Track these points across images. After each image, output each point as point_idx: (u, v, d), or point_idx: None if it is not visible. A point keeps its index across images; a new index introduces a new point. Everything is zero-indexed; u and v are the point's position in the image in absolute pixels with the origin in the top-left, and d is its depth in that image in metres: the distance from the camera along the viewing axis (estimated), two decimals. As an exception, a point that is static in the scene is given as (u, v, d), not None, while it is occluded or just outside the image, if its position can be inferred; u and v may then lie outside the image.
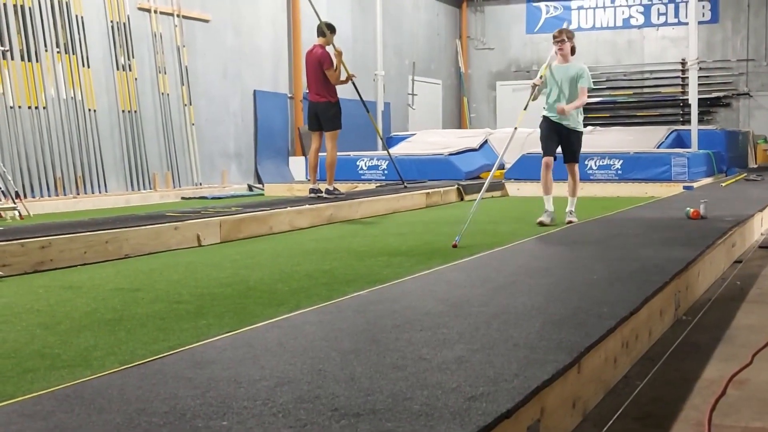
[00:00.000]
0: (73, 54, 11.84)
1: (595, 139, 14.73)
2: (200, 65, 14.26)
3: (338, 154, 10.56)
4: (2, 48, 10.74)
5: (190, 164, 13.94)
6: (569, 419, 2.68)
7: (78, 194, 11.69)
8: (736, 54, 20.85)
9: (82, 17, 12.04)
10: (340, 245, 7.33)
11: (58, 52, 11.61)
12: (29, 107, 11.15)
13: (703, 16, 20.49)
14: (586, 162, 13.38)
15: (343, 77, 10.25)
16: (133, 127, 12.81)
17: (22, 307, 4.56)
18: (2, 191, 10.17)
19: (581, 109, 8.24)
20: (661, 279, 4.15)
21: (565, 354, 2.75)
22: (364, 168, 14.73)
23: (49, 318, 4.26)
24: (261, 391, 2.41)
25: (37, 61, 11.29)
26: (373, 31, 17.08)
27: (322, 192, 10.17)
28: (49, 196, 11.28)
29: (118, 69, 12.62)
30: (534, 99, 8.18)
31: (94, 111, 12.13)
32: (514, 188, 13.51)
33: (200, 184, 14.01)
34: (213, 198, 12.88)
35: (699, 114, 15.02)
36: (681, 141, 15.31)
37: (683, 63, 20.18)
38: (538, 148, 8.47)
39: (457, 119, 23.24)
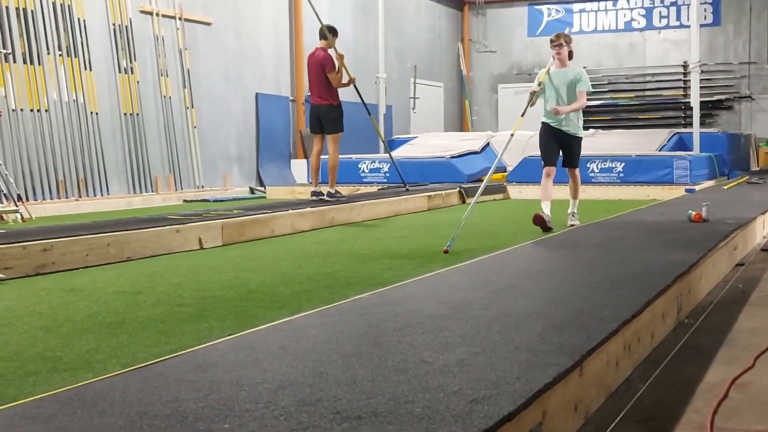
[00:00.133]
0: (75, 57, 11.86)
1: (596, 142, 14.75)
2: (202, 68, 14.27)
3: (340, 156, 10.56)
4: (5, 51, 10.76)
5: (192, 167, 13.95)
6: (571, 422, 2.67)
7: (80, 197, 11.70)
8: (738, 57, 20.86)
9: (84, 20, 12.06)
10: (341, 248, 7.33)
11: (60, 55, 11.62)
12: (31, 110, 11.16)
13: (705, 19, 20.49)
14: (587, 165, 13.38)
15: (345, 80, 10.25)
16: (135, 129, 12.82)
17: (23, 310, 4.56)
18: (4, 194, 10.17)
19: (581, 114, 8.16)
20: (663, 282, 4.14)
21: (567, 357, 2.75)
22: (366, 171, 14.73)
23: (50, 321, 4.26)
24: (263, 393, 2.41)
25: (39, 64, 11.31)
26: (374, 33, 17.09)
27: (323, 195, 10.17)
28: (51, 198, 11.29)
29: (120, 72, 12.64)
30: (532, 105, 8.07)
31: (96, 114, 12.14)
32: (515, 191, 13.51)
33: (202, 187, 14.02)
34: (215, 201, 12.89)
35: (701, 117, 15.01)
36: (683, 144, 15.30)
37: (685, 66, 20.18)
38: (539, 151, 8.42)
39: (459, 122, 23.25)
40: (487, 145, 15.84)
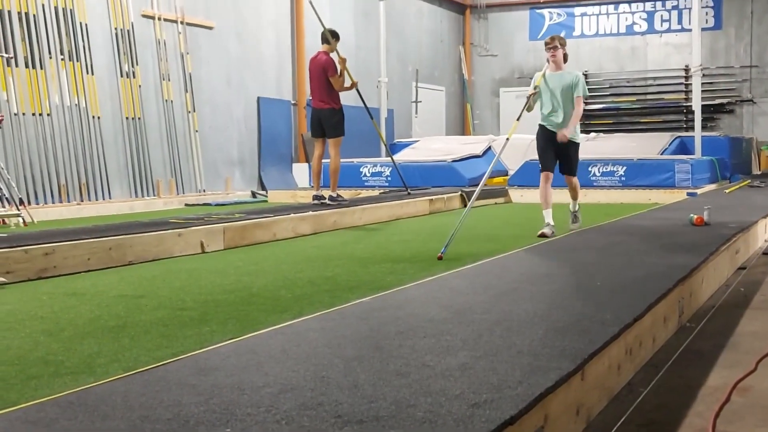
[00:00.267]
0: (77, 61, 11.87)
1: (598, 146, 14.75)
2: (204, 72, 14.28)
3: (341, 160, 10.57)
4: (7, 55, 10.77)
5: (193, 171, 13.95)
6: (573, 426, 2.67)
7: (82, 201, 11.71)
8: (740, 60, 20.86)
9: (86, 24, 12.07)
10: (343, 252, 7.34)
11: (62, 59, 11.64)
12: (33, 114, 11.17)
13: (707, 22, 20.49)
14: (589, 168, 13.38)
15: (347, 84, 10.26)
16: (136, 133, 12.83)
17: (25, 314, 4.57)
18: (6, 198, 10.18)
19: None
20: (665, 286, 4.14)
21: (569, 361, 2.75)
22: (368, 175, 14.73)
23: (52, 325, 4.27)
24: (264, 397, 2.41)
25: (41, 68, 11.32)
26: (376, 37, 17.10)
27: (325, 199, 10.17)
28: (53, 202, 11.30)
29: (122, 76, 12.65)
30: (529, 110, 7.99)
31: (98, 118, 12.15)
32: (517, 195, 13.52)
33: (204, 191, 14.02)
34: (216, 205, 12.89)
35: (702, 120, 15.00)
36: (684, 147, 15.29)
37: (686, 69, 20.17)
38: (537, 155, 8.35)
39: (461, 126, 23.26)
40: (489, 148, 15.83)
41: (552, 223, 7.75)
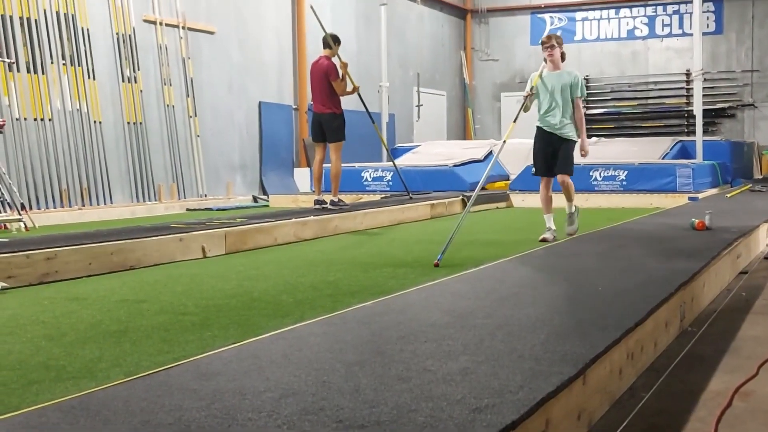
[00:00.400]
0: (79, 66, 11.89)
1: (599, 150, 14.73)
2: (205, 77, 14.30)
3: (343, 165, 10.57)
4: (8, 60, 10.78)
5: (195, 176, 13.96)
6: (574, 431, 2.67)
7: (83, 206, 11.71)
8: (741, 65, 20.87)
9: (87, 29, 12.09)
10: (344, 256, 7.34)
11: (63, 65, 11.66)
12: (35, 119, 11.18)
13: (708, 27, 20.51)
14: (590, 173, 13.39)
15: (349, 89, 10.28)
16: (138, 138, 12.84)
17: (27, 319, 4.57)
18: (8, 203, 10.19)
19: (574, 118, 7.84)
20: (666, 290, 4.14)
21: (570, 365, 2.74)
22: (369, 179, 14.74)
23: (54, 330, 4.27)
24: (266, 402, 2.41)
25: (43, 73, 11.34)
26: (377, 42, 17.12)
27: (326, 203, 10.17)
28: (55, 207, 11.30)
29: (123, 81, 12.67)
30: (526, 110, 7.86)
31: (100, 123, 12.17)
32: (518, 199, 13.52)
33: (205, 196, 14.03)
34: (218, 209, 12.89)
35: (704, 125, 15.02)
36: (686, 152, 15.29)
37: (688, 74, 20.17)
38: (532, 159, 8.20)
39: (462, 130, 23.27)
40: (490, 153, 15.83)
41: (553, 227, 7.73)
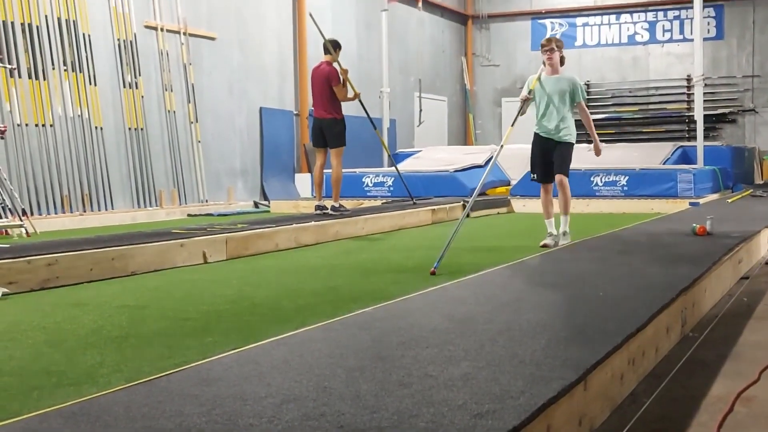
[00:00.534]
0: (80, 72, 11.90)
1: (600, 156, 14.72)
2: (206, 83, 14.31)
3: (344, 170, 10.57)
4: (10, 66, 10.79)
5: (196, 181, 13.97)
6: (576, 437, 2.67)
7: (84, 211, 11.72)
8: (742, 70, 20.88)
9: (89, 35, 12.10)
10: (345, 262, 7.34)
11: (65, 70, 11.67)
12: (36, 125, 11.19)
13: (708, 32, 20.53)
14: (591, 178, 13.40)
15: (350, 95, 10.29)
16: (139, 144, 12.85)
17: (28, 325, 4.57)
18: (9, 209, 10.19)
19: (573, 122, 7.77)
20: (668, 295, 4.14)
21: (572, 371, 2.74)
22: (370, 185, 14.74)
23: (55, 335, 4.27)
24: (267, 408, 2.41)
25: (44, 79, 11.35)
26: (378, 48, 17.14)
27: (327, 209, 10.17)
28: (56, 213, 11.31)
29: (124, 87, 12.68)
30: (522, 113, 7.73)
31: (101, 128, 12.17)
32: (519, 204, 13.52)
33: (206, 201, 14.03)
34: (219, 215, 12.90)
35: (705, 130, 15.01)
36: (687, 157, 15.30)
37: (689, 79, 20.19)
38: (530, 165, 8.08)
39: (463, 136, 23.28)
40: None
41: (555, 232, 7.72)
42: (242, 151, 15.16)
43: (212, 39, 14.44)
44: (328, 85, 10.06)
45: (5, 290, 5.57)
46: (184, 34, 13.81)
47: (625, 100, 21.88)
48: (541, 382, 2.61)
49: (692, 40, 16.23)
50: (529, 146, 7.97)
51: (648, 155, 15.36)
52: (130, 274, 6.56)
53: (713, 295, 5.29)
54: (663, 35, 21.63)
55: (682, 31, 21.33)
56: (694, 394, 3.33)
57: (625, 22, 21.96)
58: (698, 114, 14.56)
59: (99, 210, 11.97)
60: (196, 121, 13.95)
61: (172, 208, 13.17)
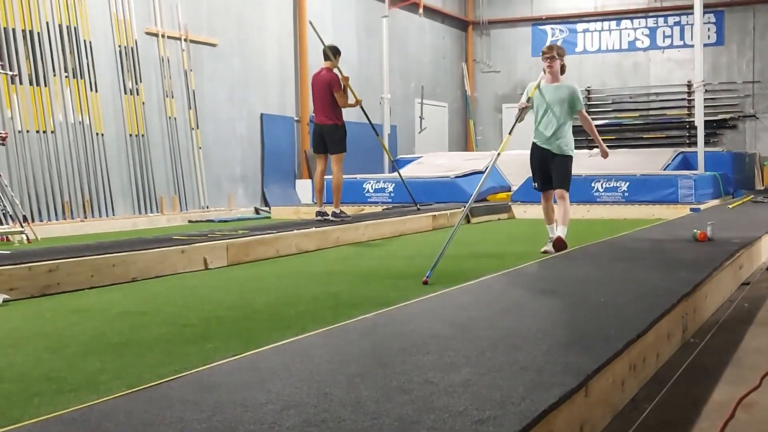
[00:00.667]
0: (81, 78, 11.92)
1: (601, 162, 14.71)
2: (207, 89, 14.33)
3: (345, 176, 10.57)
4: (11, 73, 10.81)
5: (197, 187, 13.98)
6: (577, 443, 2.66)
7: (85, 218, 11.72)
8: (742, 76, 20.90)
9: (90, 42, 12.12)
10: (346, 268, 7.33)
11: (66, 77, 11.68)
12: (37, 132, 11.20)
13: (709, 38, 20.56)
14: (592, 184, 13.40)
15: (351, 101, 10.30)
16: (140, 150, 12.86)
17: (29, 331, 4.57)
18: (10, 215, 10.20)
19: (571, 132, 7.71)
20: (669, 301, 4.13)
21: (572, 377, 2.74)
22: (371, 191, 14.75)
23: (56, 342, 4.26)
24: (267, 414, 2.41)
25: (45, 85, 11.37)
26: (379, 54, 17.16)
27: (328, 215, 10.18)
28: (57, 219, 11.31)
29: (125, 93, 12.69)
30: (521, 121, 7.65)
31: (102, 135, 12.19)
32: (520, 210, 13.52)
33: (207, 208, 14.04)
34: (220, 221, 12.90)
35: (705, 136, 15.03)
36: (687, 163, 15.30)
37: (689, 85, 20.20)
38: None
39: (464, 142, 23.30)
40: (494, 164, 15.83)
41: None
42: (243, 158, 15.17)
43: (213, 45, 14.46)
44: (329, 92, 10.07)
45: (6, 296, 5.57)
46: (185, 40, 13.83)
47: (625, 106, 21.90)
48: (542, 388, 2.60)
49: (693, 46, 16.26)
50: (529, 151, 7.93)
51: (649, 161, 15.37)
52: (130, 280, 6.56)
53: (714, 301, 5.29)
54: (663, 41, 21.66)
55: (682, 37, 21.36)
56: (696, 400, 3.33)
57: (626, 28, 21.99)
58: (699, 120, 14.57)
59: (100, 216, 11.98)
60: (197, 128, 13.96)
61: (173, 215, 13.17)
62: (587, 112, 8.01)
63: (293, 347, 3.39)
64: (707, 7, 17.66)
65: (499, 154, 7.91)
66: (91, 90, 12.08)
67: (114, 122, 12.49)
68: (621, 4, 21.91)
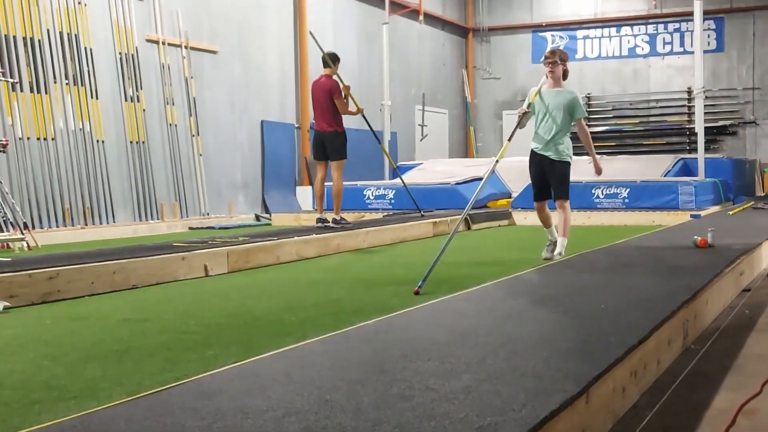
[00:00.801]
0: (82, 86, 11.93)
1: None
2: (208, 96, 14.34)
3: (345, 183, 10.57)
4: (12, 80, 10.82)
5: (197, 194, 13.98)
6: (578, 450, 2.66)
7: (86, 225, 11.73)
8: (742, 82, 20.92)
9: (90, 49, 12.14)
10: (347, 275, 7.33)
11: (66, 84, 11.70)
12: (38, 139, 11.21)
13: (709, 45, 20.58)
14: (592, 191, 13.40)
15: (352, 109, 10.31)
16: (140, 157, 12.87)
17: (29, 338, 4.56)
18: (10, 222, 10.20)
19: (569, 139, 7.62)
20: (669, 308, 4.13)
21: (573, 383, 2.74)
22: (371, 197, 14.76)
23: (56, 349, 4.26)
24: (268, 421, 2.41)
25: (46, 92, 11.38)
26: (379, 61, 17.18)
27: (329, 221, 10.18)
28: (57, 226, 11.31)
29: (126, 100, 12.71)
30: (521, 127, 7.56)
31: (103, 142, 12.20)
32: (521, 217, 13.51)
33: (208, 215, 14.04)
34: (220, 228, 12.90)
35: (705, 142, 15.03)
36: (688, 169, 15.30)
37: (689, 91, 20.22)
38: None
39: (464, 148, 23.31)
40: (492, 171, 15.84)
41: (554, 239, 7.69)
42: (243, 164, 15.18)
43: (214, 52, 14.48)
44: (330, 99, 10.08)
45: (6, 304, 5.56)
46: (186, 47, 13.85)
47: (625, 113, 21.92)
48: (543, 395, 2.60)
49: (693, 52, 16.27)
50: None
51: (649, 167, 15.38)
52: (131, 287, 6.56)
53: (715, 308, 5.28)
54: (663, 48, 21.69)
55: (682, 44, 21.39)
56: (696, 406, 3.33)
57: (626, 35, 22.01)
58: (699, 126, 14.57)
59: (100, 223, 11.98)
60: (198, 135, 13.97)
61: (174, 222, 13.18)
62: (587, 120, 7.96)
63: (294, 354, 3.39)
64: (707, 14, 17.67)
65: (497, 160, 7.88)
66: (92, 97, 12.09)
67: (114, 129, 12.50)
68: (621, 10, 21.94)
